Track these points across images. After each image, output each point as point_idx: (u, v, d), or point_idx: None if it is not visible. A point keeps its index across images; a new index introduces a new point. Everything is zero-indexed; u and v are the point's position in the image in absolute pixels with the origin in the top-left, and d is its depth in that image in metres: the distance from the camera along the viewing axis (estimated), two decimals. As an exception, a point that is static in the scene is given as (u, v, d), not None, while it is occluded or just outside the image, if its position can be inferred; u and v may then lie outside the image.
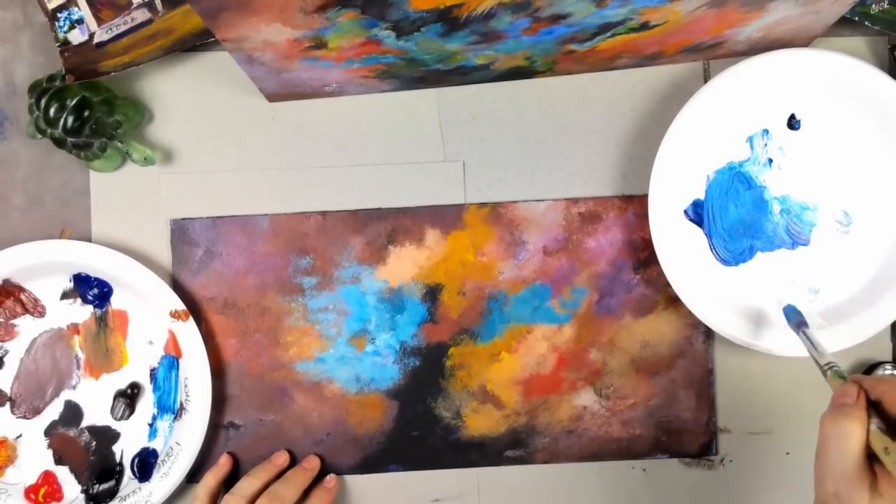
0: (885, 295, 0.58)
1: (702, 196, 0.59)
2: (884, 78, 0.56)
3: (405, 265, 0.61)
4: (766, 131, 0.59)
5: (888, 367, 0.60)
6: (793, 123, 0.58)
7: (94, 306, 0.60)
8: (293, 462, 0.61)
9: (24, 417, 0.60)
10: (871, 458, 0.44)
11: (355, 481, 0.61)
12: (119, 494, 0.59)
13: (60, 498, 0.59)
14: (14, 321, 0.60)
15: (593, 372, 0.61)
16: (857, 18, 0.58)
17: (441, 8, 0.45)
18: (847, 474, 0.43)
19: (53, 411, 0.60)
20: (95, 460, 0.60)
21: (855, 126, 0.58)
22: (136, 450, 0.60)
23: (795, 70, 0.57)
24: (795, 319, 0.57)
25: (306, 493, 0.59)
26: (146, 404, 0.60)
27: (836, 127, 0.58)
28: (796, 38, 0.57)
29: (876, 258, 0.59)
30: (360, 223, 0.61)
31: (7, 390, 0.60)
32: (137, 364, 0.60)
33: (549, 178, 0.61)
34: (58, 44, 0.56)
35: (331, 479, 0.60)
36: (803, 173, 0.59)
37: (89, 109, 0.56)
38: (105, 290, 0.59)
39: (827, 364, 0.50)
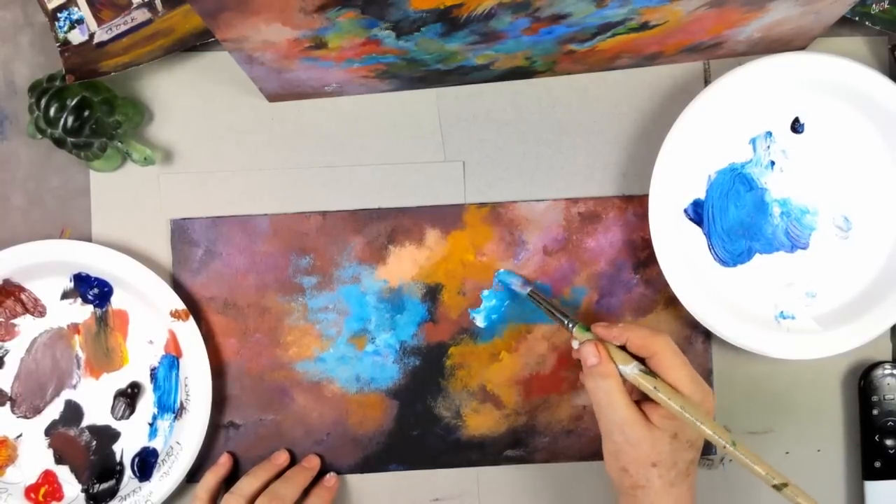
0: (883, 301, 0.58)
1: (702, 196, 0.59)
2: (889, 85, 0.56)
3: (405, 265, 0.61)
4: (769, 133, 0.59)
5: (888, 366, 0.60)
6: (796, 127, 0.58)
7: (95, 306, 0.60)
8: (293, 462, 0.61)
9: (25, 417, 0.60)
10: (638, 403, 0.50)
11: (355, 481, 0.61)
12: (119, 494, 0.59)
13: (61, 497, 0.59)
14: (14, 321, 0.60)
15: (593, 372, 0.61)
16: (857, 18, 0.58)
17: (441, 8, 0.45)
18: (625, 420, 0.48)
19: (54, 411, 0.60)
20: (96, 460, 0.60)
21: (858, 132, 0.58)
22: (137, 449, 0.60)
23: (799, 73, 0.57)
24: (517, 280, 0.59)
25: (306, 492, 0.59)
26: (146, 404, 0.60)
27: (839, 132, 0.58)
28: (796, 39, 0.57)
29: (874, 265, 0.59)
30: (360, 223, 0.61)
31: (7, 390, 0.60)
32: (138, 364, 0.60)
33: (549, 178, 0.61)
34: (58, 44, 0.56)
35: (330, 477, 0.60)
36: (805, 177, 0.59)
37: (89, 109, 0.56)
38: (105, 289, 0.59)
39: (567, 321, 0.53)
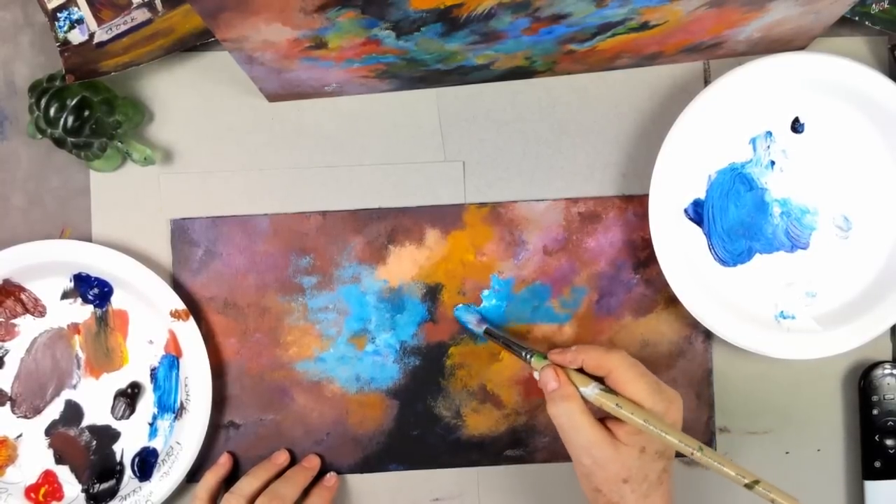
0: (883, 301, 0.57)
1: (702, 196, 0.59)
2: (889, 85, 0.56)
3: (405, 265, 0.61)
4: (769, 133, 0.59)
5: (888, 366, 0.60)
6: (796, 127, 0.58)
7: (95, 306, 0.60)
8: (293, 461, 0.61)
9: (25, 417, 0.60)
10: (602, 421, 0.50)
11: (355, 481, 0.61)
12: (119, 494, 0.59)
13: (61, 497, 0.60)
14: (14, 321, 0.60)
15: (593, 372, 0.61)
16: (857, 18, 0.58)
17: (441, 8, 0.45)
18: (591, 442, 0.49)
19: (54, 411, 0.60)
20: (96, 460, 0.60)
21: (858, 132, 0.58)
22: (137, 449, 0.60)
23: (799, 73, 0.56)
24: (473, 318, 0.59)
25: (306, 492, 0.59)
26: (146, 404, 0.60)
27: (839, 132, 0.58)
28: (796, 39, 0.57)
29: (874, 265, 0.59)
30: (360, 223, 0.61)
31: (7, 390, 0.60)
32: (138, 364, 0.60)
33: (549, 178, 0.61)
34: (58, 44, 0.56)
35: (330, 477, 0.60)
36: (805, 177, 0.59)
37: (89, 109, 0.56)
38: (105, 289, 0.59)
39: (525, 352, 0.54)
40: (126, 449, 0.60)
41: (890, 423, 0.60)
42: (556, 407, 0.50)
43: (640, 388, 0.49)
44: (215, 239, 0.60)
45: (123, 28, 0.56)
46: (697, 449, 0.47)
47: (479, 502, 0.61)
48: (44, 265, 0.58)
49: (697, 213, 0.59)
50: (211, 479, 0.59)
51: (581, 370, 0.51)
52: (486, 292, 0.61)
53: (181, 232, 0.60)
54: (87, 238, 0.60)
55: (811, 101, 0.58)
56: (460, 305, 0.60)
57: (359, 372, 0.61)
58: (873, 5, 0.58)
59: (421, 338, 0.61)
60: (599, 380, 0.50)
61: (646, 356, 0.61)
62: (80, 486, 0.60)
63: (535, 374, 0.52)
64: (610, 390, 0.49)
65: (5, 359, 0.60)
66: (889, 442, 0.60)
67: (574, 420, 0.49)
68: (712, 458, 0.47)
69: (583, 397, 0.50)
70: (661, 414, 0.49)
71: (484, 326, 0.58)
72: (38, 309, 0.60)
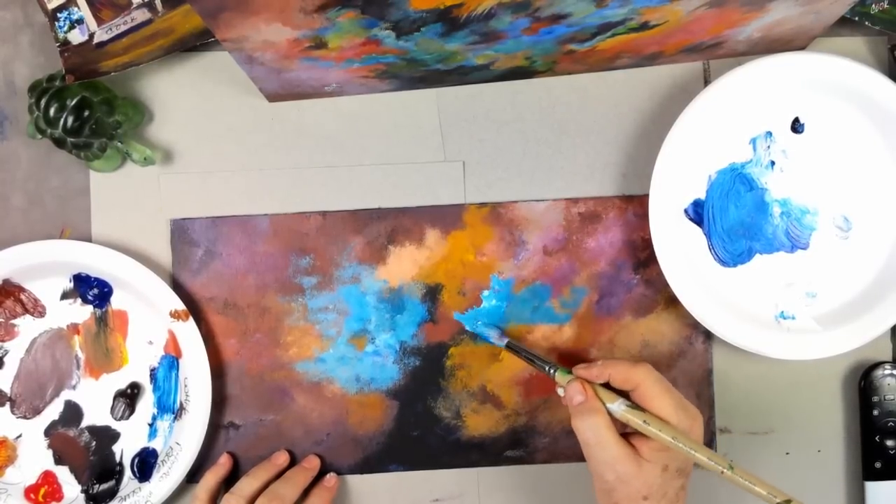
0: (883, 301, 0.58)
1: (703, 196, 0.59)
2: (889, 85, 0.56)
3: (405, 265, 0.61)
4: (769, 133, 0.59)
5: (888, 367, 0.60)
6: (796, 127, 0.58)
7: (94, 306, 0.60)
8: (293, 462, 0.61)
9: (24, 417, 0.60)
10: (625, 435, 0.49)
11: (355, 481, 0.61)
12: (119, 494, 0.59)
13: (60, 498, 0.59)
14: (14, 321, 0.60)
15: (593, 372, 0.61)
16: (856, 18, 0.58)
17: (441, 8, 0.45)
18: (616, 458, 0.48)
19: (53, 411, 0.60)
20: (95, 460, 0.60)
21: (858, 132, 0.58)
22: (136, 450, 0.60)
23: (799, 73, 0.57)
24: (494, 332, 0.58)
25: (306, 492, 0.59)
26: (146, 404, 0.60)
27: (839, 132, 0.58)
28: (796, 39, 0.57)
29: (874, 265, 0.59)
30: (360, 223, 0.61)
31: (7, 390, 0.60)
32: (137, 364, 0.60)
33: (549, 178, 0.61)
34: (58, 44, 0.56)
35: (330, 477, 0.60)
36: (805, 177, 0.59)
37: (89, 109, 0.56)
38: (105, 290, 0.59)
39: (549, 367, 0.53)
40: (126, 449, 0.60)
41: (890, 423, 0.60)
42: (582, 421, 0.49)
43: (666, 403, 0.48)
44: (215, 239, 0.60)
45: (123, 28, 0.56)
46: (727, 468, 0.47)
47: (479, 503, 0.61)
48: (44, 265, 0.58)
49: (697, 213, 0.59)
50: (211, 479, 0.59)
51: (606, 384, 0.51)
52: (486, 292, 0.61)
53: (181, 232, 0.60)
54: (87, 238, 0.60)
55: (811, 101, 0.58)
56: (480, 322, 0.60)
57: (359, 372, 0.61)
58: (873, 5, 0.58)
59: (421, 338, 0.61)
60: (624, 394, 0.50)
61: (646, 356, 0.61)
62: (79, 487, 0.60)
63: (559, 391, 0.52)
64: (636, 406, 0.49)
65: (5, 359, 0.60)
66: (889, 442, 0.60)
67: (600, 435, 0.48)
68: (742, 476, 0.47)
69: (608, 412, 0.49)
70: (686, 429, 0.48)
71: (506, 340, 0.58)
72: (37, 309, 0.60)
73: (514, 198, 0.61)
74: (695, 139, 0.57)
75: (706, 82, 0.61)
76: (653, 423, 0.48)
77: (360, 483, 0.61)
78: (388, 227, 0.61)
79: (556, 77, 0.61)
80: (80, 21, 0.55)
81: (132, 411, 0.60)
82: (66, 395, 0.60)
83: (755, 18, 0.53)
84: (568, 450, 0.61)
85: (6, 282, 0.58)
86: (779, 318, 0.59)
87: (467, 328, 0.60)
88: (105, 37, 0.56)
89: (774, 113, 0.58)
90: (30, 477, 0.60)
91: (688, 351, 0.61)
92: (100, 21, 0.56)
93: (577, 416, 0.49)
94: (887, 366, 0.60)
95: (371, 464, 0.61)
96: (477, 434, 0.61)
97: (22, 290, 0.59)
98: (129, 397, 0.60)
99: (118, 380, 0.60)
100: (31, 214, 0.60)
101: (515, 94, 0.61)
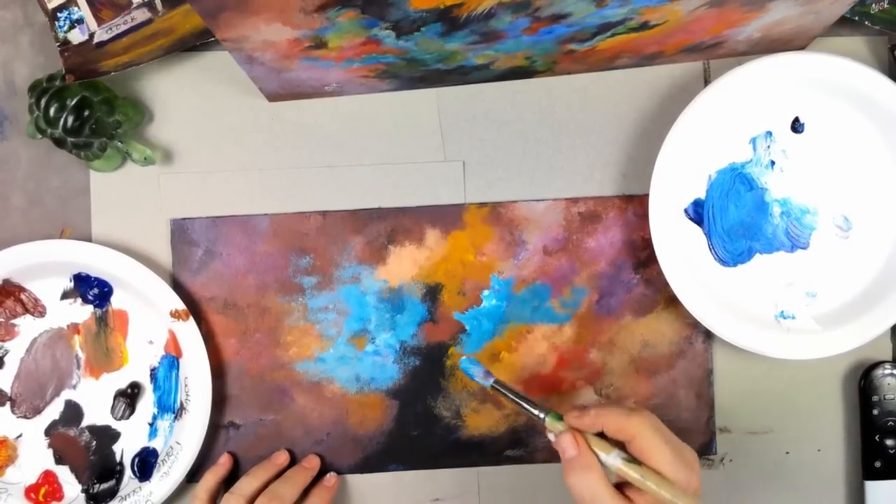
0: (883, 301, 0.57)
1: (703, 195, 0.59)
2: (889, 85, 0.56)
3: (405, 265, 0.61)
4: (769, 133, 0.59)
5: (888, 366, 0.60)
6: (796, 127, 0.58)
7: (95, 306, 0.60)
8: (293, 461, 0.61)
9: (25, 417, 0.60)
10: (620, 486, 0.47)
11: (355, 481, 0.61)
12: (119, 494, 0.59)
13: (61, 497, 0.59)
14: (14, 321, 0.60)
15: (593, 372, 0.61)
16: (856, 18, 0.58)
17: (441, 8, 0.45)
18: None
19: (54, 411, 0.60)
20: (96, 460, 0.60)
21: (858, 132, 0.58)
22: (137, 449, 0.60)
23: (799, 73, 0.56)
24: (479, 371, 0.55)
25: (306, 492, 0.59)
26: (146, 404, 0.60)
27: (839, 132, 0.58)
28: (796, 38, 0.57)
29: (874, 265, 0.59)
30: (360, 223, 0.61)
31: (7, 390, 0.60)
32: (138, 364, 0.60)
33: (549, 178, 0.61)
34: (58, 44, 0.56)
35: (330, 477, 0.60)
36: (805, 177, 0.59)
37: (89, 109, 0.56)
38: (105, 289, 0.59)
39: (538, 411, 0.50)
40: (126, 449, 0.60)
41: (890, 423, 0.60)
42: (575, 477, 0.47)
43: (663, 455, 0.46)
44: (215, 239, 0.60)
45: (123, 28, 0.56)
46: None
47: (479, 502, 0.61)
48: (44, 265, 0.58)
49: (697, 213, 0.59)
50: (211, 479, 0.59)
51: (601, 433, 0.48)
52: (486, 292, 0.61)
53: (181, 232, 0.60)
54: (87, 238, 0.60)
55: (811, 101, 0.58)
56: (463, 358, 0.59)
57: (359, 372, 0.61)
58: (873, 5, 0.58)
59: (421, 338, 0.61)
60: (619, 444, 0.48)
61: (646, 356, 0.61)
62: (79, 487, 0.60)
63: (550, 436, 0.50)
64: (632, 458, 0.47)
65: (5, 359, 0.60)
66: (889, 442, 0.60)
67: (594, 491, 0.46)
68: None
69: (602, 464, 0.47)
70: (685, 483, 0.46)
71: (491, 380, 0.54)
72: (37, 309, 0.60)
73: (514, 198, 0.61)
74: (695, 139, 0.57)
75: (706, 82, 0.61)
76: (649, 478, 0.46)
77: (360, 483, 0.61)
78: (388, 226, 0.61)
79: (556, 77, 0.61)
80: (80, 21, 0.55)
81: (132, 411, 0.60)
82: (66, 394, 0.60)
83: (755, 18, 0.53)
84: (568, 449, 0.61)
85: (6, 282, 0.58)
86: (779, 318, 0.59)
87: (461, 367, 0.58)
88: (105, 36, 0.56)
89: (774, 113, 0.58)
90: (30, 476, 0.60)
91: (688, 351, 0.61)
92: (100, 21, 0.56)
93: (569, 472, 0.47)
94: (887, 365, 0.60)
95: (371, 463, 0.61)
96: (477, 434, 0.61)
97: (22, 289, 0.59)
98: (129, 397, 0.60)
99: (118, 379, 0.60)
100: (31, 214, 0.60)
101: (515, 94, 0.61)
